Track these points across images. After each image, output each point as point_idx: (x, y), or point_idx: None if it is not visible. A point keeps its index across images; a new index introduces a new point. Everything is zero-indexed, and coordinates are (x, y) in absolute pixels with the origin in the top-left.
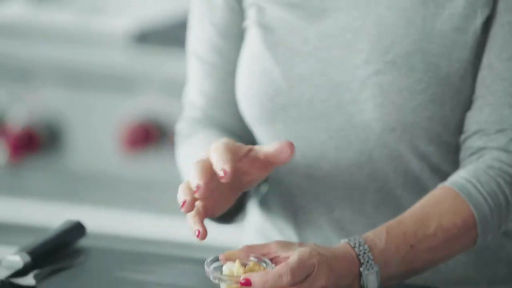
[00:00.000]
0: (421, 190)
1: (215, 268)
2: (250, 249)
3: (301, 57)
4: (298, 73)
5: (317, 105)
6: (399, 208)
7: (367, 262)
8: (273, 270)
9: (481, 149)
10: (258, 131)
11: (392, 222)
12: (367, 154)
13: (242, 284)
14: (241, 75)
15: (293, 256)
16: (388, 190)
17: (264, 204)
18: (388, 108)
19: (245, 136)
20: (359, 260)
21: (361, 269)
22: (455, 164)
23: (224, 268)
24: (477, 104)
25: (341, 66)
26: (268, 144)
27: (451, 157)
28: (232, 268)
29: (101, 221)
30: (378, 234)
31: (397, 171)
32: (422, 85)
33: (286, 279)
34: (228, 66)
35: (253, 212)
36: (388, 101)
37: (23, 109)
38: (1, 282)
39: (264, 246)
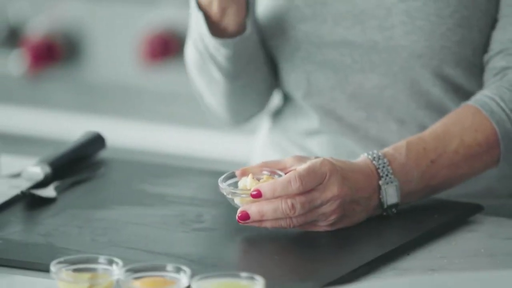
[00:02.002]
0: (443, 111)
1: (230, 185)
2: (266, 165)
3: None
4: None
5: (341, 32)
6: (422, 129)
7: (386, 175)
8: (282, 178)
9: (504, 68)
10: (281, 58)
11: (413, 138)
12: (391, 76)
13: (252, 195)
14: (262, 4)
15: (304, 165)
16: (412, 110)
17: (285, 123)
18: (416, 34)
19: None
20: (378, 173)
21: (380, 182)
22: (480, 85)
23: (239, 183)
24: (501, 23)
25: None
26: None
27: (476, 78)
28: (246, 183)
29: (120, 133)
30: (398, 149)
31: (420, 93)
32: (450, 9)
33: (295, 185)
34: None
35: (271, 129)
36: (416, 28)
37: (44, 19)
38: (22, 193)
39: (280, 161)
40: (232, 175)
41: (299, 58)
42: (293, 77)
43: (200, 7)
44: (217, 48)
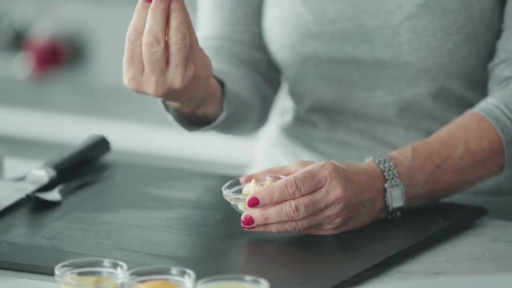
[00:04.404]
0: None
1: (234, 192)
2: (270, 171)
3: (332, 1)
4: (329, 17)
5: (348, 50)
6: (427, 135)
7: (392, 178)
8: (278, 182)
9: (508, 78)
10: (287, 72)
11: (418, 142)
12: (397, 93)
13: (249, 204)
14: (271, 18)
15: (304, 168)
16: (417, 121)
17: (292, 125)
18: (424, 52)
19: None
20: (383, 176)
21: (386, 185)
22: (483, 96)
23: (243, 190)
24: (506, 33)
25: (373, 11)
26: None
27: (479, 89)
28: (249, 189)
29: (125, 136)
30: (403, 153)
31: (424, 108)
32: (457, 25)
33: (291, 189)
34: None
35: (274, 127)
36: (424, 45)
37: (48, 23)
38: (27, 196)
39: (284, 167)
40: (236, 183)
41: (306, 72)
42: (299, 90)
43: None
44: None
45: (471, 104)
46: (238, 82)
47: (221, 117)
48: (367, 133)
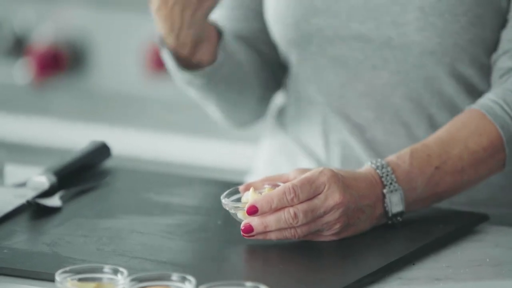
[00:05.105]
0: (455, 110)
1: (233, 201)
2: (268, 179)
3: None
4: None
5: (354, 27)
6: (432, 129)
7: (391, 184)
8: (276, 189)
9: (510, 69)
10: (292, 53)
11: (417, 144)
12: (403, 74)
13: (248, 212)
14: None
15: (302, 175)
16: (422, 110)
17: (291, 123)
18: (430, 31)
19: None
20: (382, 182)
21: (385, 190)
22: (488, 84)
23: (242, 198)
24: (511, 23)
25: None
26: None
27: (488, 79)
28: (248, 198)
29: (125, 142)
30: (401, 157)
31: (432, 92)
32: (464, 7)
33: (289, 196)
34: None
35: (276, 131)
36: (430, 24)
37: (49, 29)
38: (28, 202)
39: (282, 175)
40: (235, 191)
41: (310, 52)
42: (304, 72)
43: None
44: (190, 80)
45: (481, 93)
46: (239, 51)
47: (216, 62)
48: (368, 131)
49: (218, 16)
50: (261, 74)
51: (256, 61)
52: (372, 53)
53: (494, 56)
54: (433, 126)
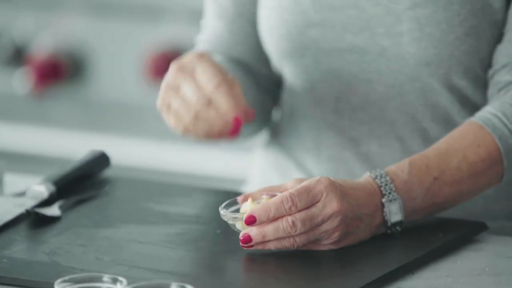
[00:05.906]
0: (449, 123)
1: (232, 212)
2: (266, 189)
3: None
4: (329, 4)
5: (348, 38)
6: (427, 141)
7: (389, 193)
8: (274, 198)
9: (509, 83)
10: (285, 66)
11: (415, 155)
12: (398, 87)
13: (246, 222)
14: (267, 7)
15: (300, 184)
16: (417, 123)
17: (283, 136)
18: (425, 42)
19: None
20: (381, 191)
21: (383, 200)
22: (486, 98)
23: (241, 209)
24: (507, 37)
25: None
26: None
27: (482, 91)
28: (247, 208)
29: (125, 151)
30: (400, 167)
31: (426, 105)
32: (460, 18)
33: (287, 205)
34: (239, 8)
35: (269, 143)
36: (425, 35)
37: (48, 37)
38: (27, 211)
39: (281, 185)
40: (234, 202)
41: (305, 65)
42: (298, 85)
43: None
44: None
45: (475, 105)
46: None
47: None
48: (362, 145)
49: (218, 28)
50: (258, 97)
51: (253, 85)
52: (367, 65)
53: (491, 71)
54: (427, 140)
